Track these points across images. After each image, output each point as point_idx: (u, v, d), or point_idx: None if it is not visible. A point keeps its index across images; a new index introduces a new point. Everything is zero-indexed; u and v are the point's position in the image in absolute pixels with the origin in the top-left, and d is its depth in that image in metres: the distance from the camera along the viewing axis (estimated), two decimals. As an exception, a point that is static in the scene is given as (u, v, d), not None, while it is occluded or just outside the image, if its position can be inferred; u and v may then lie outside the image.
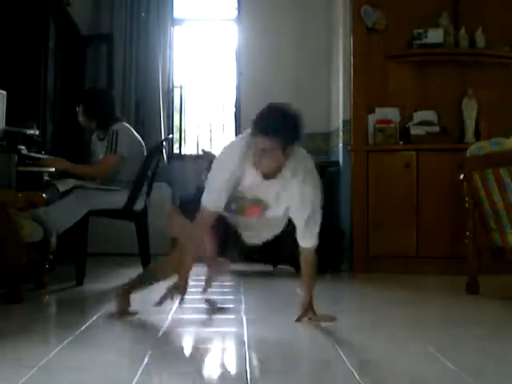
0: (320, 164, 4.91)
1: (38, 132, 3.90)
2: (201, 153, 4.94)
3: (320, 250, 4.31)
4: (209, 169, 2.51)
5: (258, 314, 2.19)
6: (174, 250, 2.62)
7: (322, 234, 4.37)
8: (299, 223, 2.45)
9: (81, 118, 3.84)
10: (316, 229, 2.48)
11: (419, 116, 4.53)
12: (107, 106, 3.83)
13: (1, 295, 2.92)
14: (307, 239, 2.49)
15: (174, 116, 5.61)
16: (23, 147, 3.52)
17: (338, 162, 4.82)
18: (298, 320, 2.49)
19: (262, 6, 5.41)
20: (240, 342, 2.17)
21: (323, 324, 2.47)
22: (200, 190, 2.51)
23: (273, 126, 2.28)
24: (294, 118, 2.35)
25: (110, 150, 3.67)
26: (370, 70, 4.54)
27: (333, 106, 5.14)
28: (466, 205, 3.47)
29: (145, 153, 3.86)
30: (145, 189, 3.83)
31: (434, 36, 4.43)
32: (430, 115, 4.53)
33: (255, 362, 1.93)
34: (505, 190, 3.15)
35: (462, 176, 3.47)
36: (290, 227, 2.55)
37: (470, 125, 4.50)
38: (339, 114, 4.80)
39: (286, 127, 2.30)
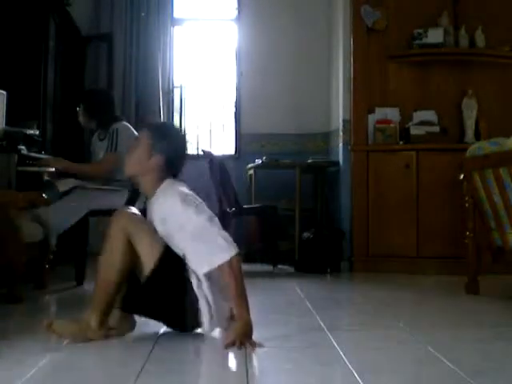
0: (320, 164, 4.96)
1: (37, 132, 3.90)
2: (201, 153, 4.95)
3: (320, 249, 4.38)
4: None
5: (257, 313, 2.18)
6: None
7: (322, 234, 4.44)
8: None
9: (81, 118, 3.85)
10: None
11: (419, 116, 4.53)
12: (107, 105, 3.84)
13: (1, 295, 2.92)
14: None
15: (174, 116, 5.61)
16: (23, 147, 3.52)
17: (338, 162, 4.83)
18: (226, 347, 2.06)
19: (262, 6, 5.42)
20: (240, 342, 2.17)
21: (322, 323, 2.47)
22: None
23: None
24: None
25: (110, 148, 3.67)
26: (370, 69, 4.55)
27: (333, 106, 5.14)
28: (466, 205, 3.47)
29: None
30: (145, 189, 3.83)
31: (434, 36, 4.43)
32: (430, 115, 4.53)
33: (255, 361, 1.93)
34: (505, 190, 3.15)
35: (462, 176, 3.47)
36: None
37: (469, 125, 4.50)
38: (339, 114, 4.81)
39: None
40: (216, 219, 2.22)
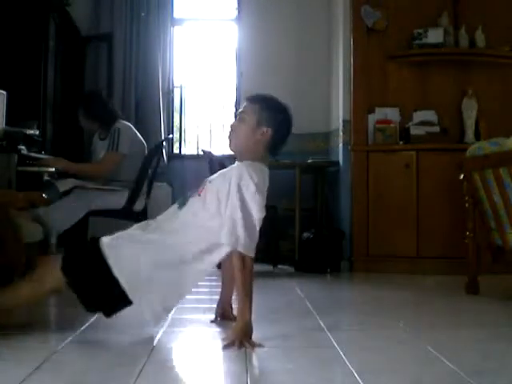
0: (320, 164, 4.96)
1: (37, 132, 3.90)
2: (201, 153, 4.95)
3: (320, 249, 4.38)
4: (211, 169, 2.44)
5: (257, 313, 2.18)
6: None
7: (322, 234, 4.44)
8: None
9: (83, 123, 3.87)
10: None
11: (419, 116, 4.53)
12: (106, 105, 3.84)
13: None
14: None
15: (174, 116, 5.61)
16: (23, 147, 3.52)
17: (338, 162, 4.82)
18: (225, 348, 2.05)
19: (262, 6, 5.41)
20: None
21: (322, 323, 2.47)
22: None
23: None
24: None
25: (111, 148, 3.68)
26: (370, 69, 4.55)
27: (333, 106, 5.14)
28: (466, 205, 3.47)
29: (146, 152, 3.87)
30: (145, 189, 3.83)
31: (434, 36, 4.43)
32: (429, 115, 4.53)
33: (255, 361, 1.93)
34: (505, 190, 3.15)
35: (462, 176, 3.47)
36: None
37: (470, 125, 4.50)
38: (339, 114, 4.80)
39: None
40: (255, 224, 2.16)
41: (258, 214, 2.15)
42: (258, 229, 2.16)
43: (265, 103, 2.31)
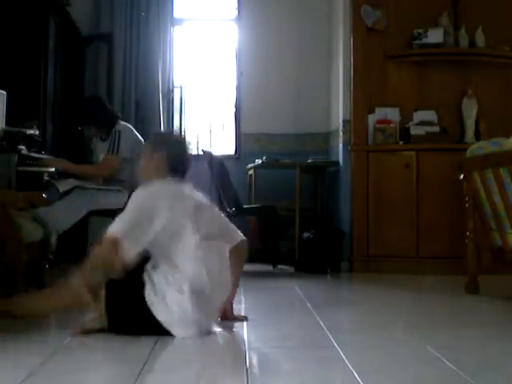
0: (320, 164, 4.96)
1: (37, 132, 3.90)
2: (201, 153, 4.95)
3: (320, 249, 4.38)
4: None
5: (258, 313, 2.18)
6: None
7: (322, 234, 4.44)
8: None
9: (88, 133, 3.87)
10: None
11: (419, 116, 4.53)
12: (105, 109, 3.84)
13: (1, 295, 2.91)
14: None
15: (174, 116, 5.61)
16: (23, 147, 3.52)
17: (338, 162, 4.82)
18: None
19: (262, 6, 5.42)
20: (240, 342, 2.17)
21: (322, 323, 2.47)
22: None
23: None
24: None
25: (111, 150, 3.68)
26: (370, 69, 4.55)
27: (333, 106, 5.14)
28: (466, 205, 3.47)
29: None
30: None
31: (434, 36, 4.44)
32: (429, 115, 4.53)
33: (255, 361, 1.93)
34: (505, 190, 3.15)
35: (461, 176, 3.47)
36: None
37: (469, 125, 4.51)
38: (339, 114, 4.80)
39: None
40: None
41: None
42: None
43: (155, 136, 2.75)
